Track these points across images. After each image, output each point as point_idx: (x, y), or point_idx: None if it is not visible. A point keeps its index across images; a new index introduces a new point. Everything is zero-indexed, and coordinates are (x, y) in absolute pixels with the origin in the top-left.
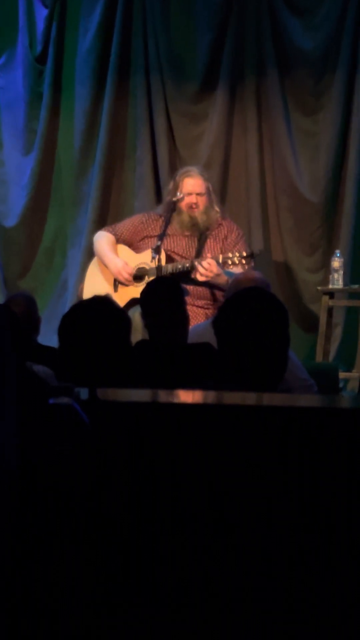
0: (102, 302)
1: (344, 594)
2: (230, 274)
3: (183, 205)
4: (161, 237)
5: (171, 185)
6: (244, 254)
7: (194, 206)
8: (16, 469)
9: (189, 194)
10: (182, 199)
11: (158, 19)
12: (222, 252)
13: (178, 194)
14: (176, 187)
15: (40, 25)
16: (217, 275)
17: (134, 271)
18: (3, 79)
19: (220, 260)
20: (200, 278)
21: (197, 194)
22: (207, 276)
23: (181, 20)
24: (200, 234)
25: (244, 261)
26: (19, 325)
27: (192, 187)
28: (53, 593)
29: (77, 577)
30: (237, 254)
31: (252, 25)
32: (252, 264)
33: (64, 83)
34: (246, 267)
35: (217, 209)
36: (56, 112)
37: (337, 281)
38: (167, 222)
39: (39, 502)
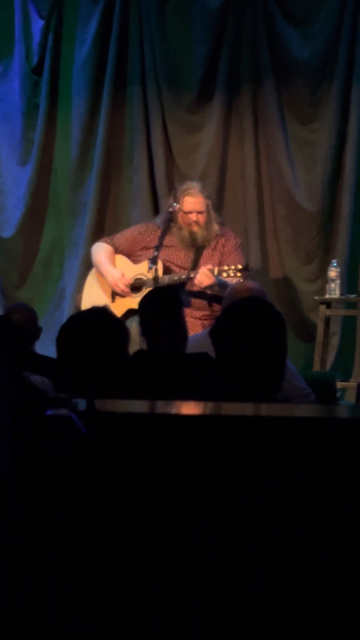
0: (100, 313)
1: (339, 600)
2: (226, 284)
3: (183, 222)
4: (158, 247)
5: (171, 199)
6: (239, 267)
7: (194, 224)
8: (9, 477)
9: (190, 212)
10: (180, 211)
11: (154, 28)
12: (219, 262)
13: (174, 204)
14: (176, 202)
15: (36, 36)
16: (213, 284)
17: (131, 282)
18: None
19: (216, 273)
20: (197, 284)
21: (198, 212)
22: (202, 286)
23: (177, 30)
24: (198, 247)
25: (239, 274)
26: (18, 336)
27: (192, 205)
28: (48, 601)
29: (73, 587)
30: (233, 267)
31: (248, 35)
32: (247, 276)
33: (60, 94)
34: (241, 279)
35: (216, 225)
36: (53, 122)
37: (334, 290)
38: (164, 234)
39: (36, 512)
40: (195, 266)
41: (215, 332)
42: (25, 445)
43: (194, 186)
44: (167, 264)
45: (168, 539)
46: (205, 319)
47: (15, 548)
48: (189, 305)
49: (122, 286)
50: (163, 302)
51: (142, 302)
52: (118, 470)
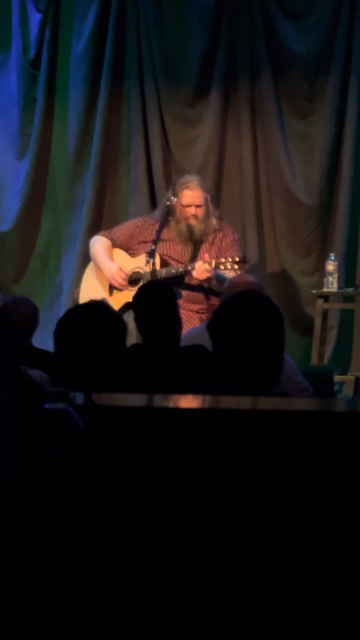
0: (98, 306)
1: (343, 596)
2: (224, 278)
3: (181, 215)
4: (155, 241)
5: (169, 193)
6: (236, 259)
7: (192, 218)
8: (5, 470)
9: (188, 205)
10: (178, 205)
11: (151, 22)
12: (217, 256)
13: (172, 198)
14: (175, 196)
15: (33, 30)
16: (211, 278)
17: (128, 275)
18: None
19: (213, 265)
20: (195, 276)
21: (196, 206)
22: (201, 276)
23: (174, 24)
24: (196, 240)
25: (236, 266)
26: (14, 329)
27: (191, 199)
28: (45, 599)
29: (71, 582)
30: (230, 259)
31: (245, 29)
32: (245, 270)
33: (57, 87)
34: (238, 272)
35: (214, 220)
36: (50, 116)
37: (332, 284)
38: (162, 227)
39: (33, 506)
40: (192, 260)
41: (213, 326)
42: (22, 439)
43: (193, 180)
44: (165, 257)
45: (165, 533)
46: (202, 312)
47: (12, 543)
48: (186, 298)
49: (119, 280)
50: (157, 295)
51: (136, 296)
52: (115, 464)
